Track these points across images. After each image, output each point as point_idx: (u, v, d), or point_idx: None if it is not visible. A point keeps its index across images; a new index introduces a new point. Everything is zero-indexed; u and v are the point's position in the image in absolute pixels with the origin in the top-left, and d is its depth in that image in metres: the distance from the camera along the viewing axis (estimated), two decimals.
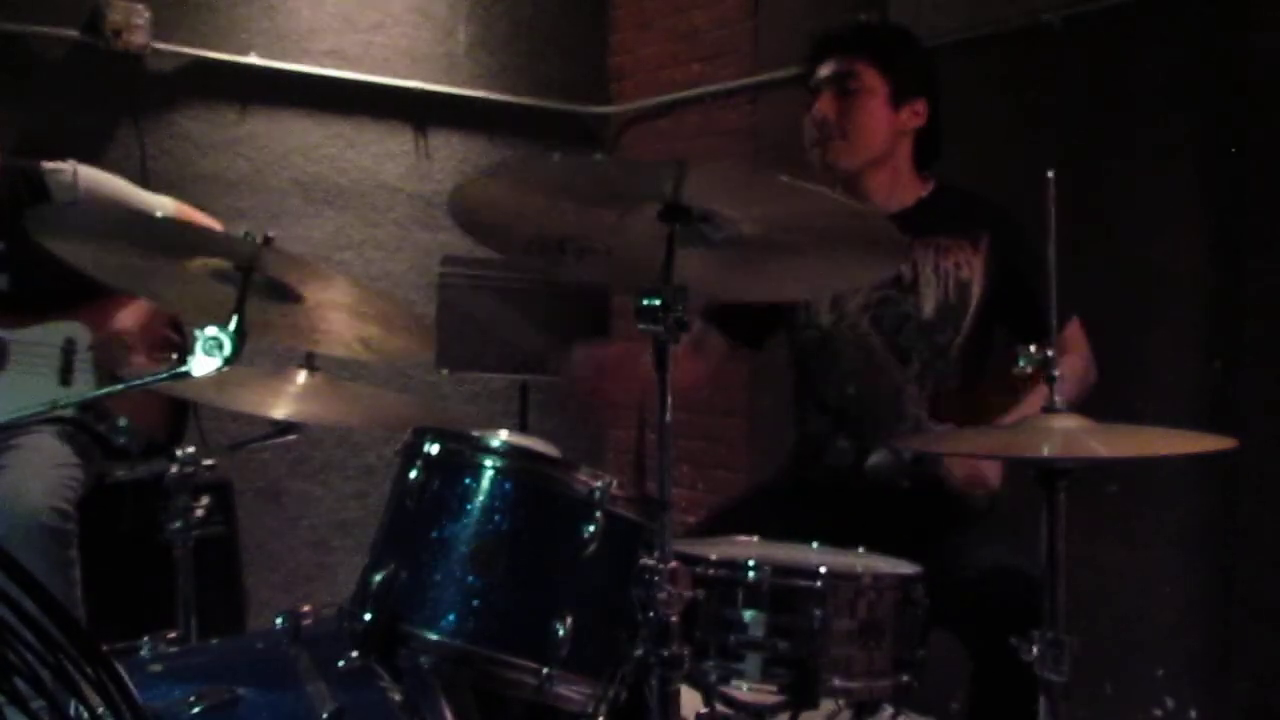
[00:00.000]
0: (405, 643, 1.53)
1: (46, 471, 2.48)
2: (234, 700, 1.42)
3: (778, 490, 2.34)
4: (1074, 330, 2.17)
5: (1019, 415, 2.00)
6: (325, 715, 1.40)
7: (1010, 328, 2.18)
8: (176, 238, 1.75)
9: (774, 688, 1.54)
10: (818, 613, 1.52)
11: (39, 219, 1.67)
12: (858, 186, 2.19)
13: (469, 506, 1.58)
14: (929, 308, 2.16)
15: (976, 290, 2.16)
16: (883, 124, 2.17)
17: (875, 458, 2.15)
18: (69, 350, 2.68)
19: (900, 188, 2.22)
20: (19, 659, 0.80)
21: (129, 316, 2.73)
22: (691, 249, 1.49)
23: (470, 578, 1.55)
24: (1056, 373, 1.56)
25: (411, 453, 1.65)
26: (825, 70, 2.20)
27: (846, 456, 2.18)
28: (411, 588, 1.56)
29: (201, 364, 1.42)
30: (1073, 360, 2.09)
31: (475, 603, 1.54)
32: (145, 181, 3.29)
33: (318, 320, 1.77)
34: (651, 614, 1.36)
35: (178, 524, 1.90)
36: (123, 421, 2.65)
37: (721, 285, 1.71)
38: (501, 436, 1.65)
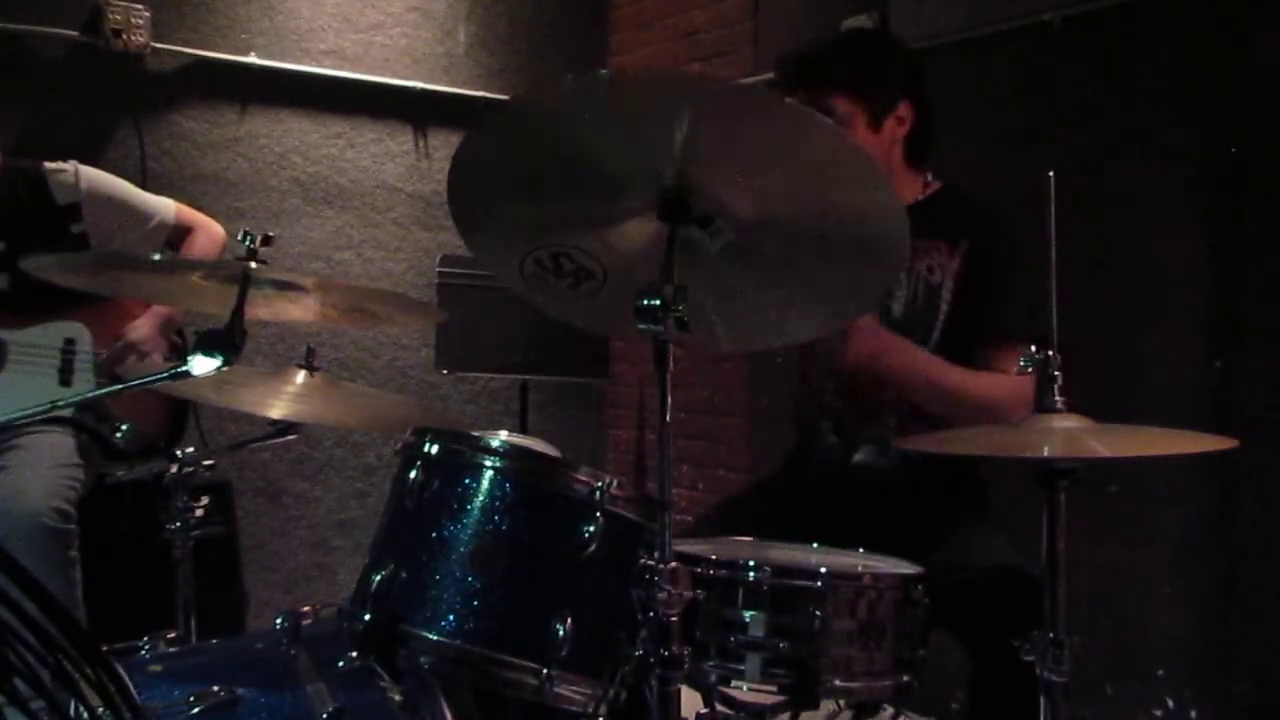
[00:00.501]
0: (405, 643, 1.53)
1: (47, 472, 2.48)
2: (234, 700, 1.42)
3: (775, 487, 2.34)
4: (1010, 361, 1.89)
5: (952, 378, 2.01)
6: (325, 715, 1.40)
7: (970, 332, 2.11)
8: (173, 273, 1.77)
9: (774, 688, 1.54)
10: (818, 613, 1.52)
11: (39, 267, 1.69)
12: None
13: (469, 506, 1.58)
14: (897, 310, 2.14)
15: (947, 295, 2.12)
16: (868, 148, 2.13)
17: (860, 456, 2.15)
18: (69, 350, 2.69)
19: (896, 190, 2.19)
20: (19, 659, 0.80)
21: (144, 326, 2.73)
22: (693, 269, 1.47)
23: (470, 578, 1.54)
24: (1055, 373, 1.56)
25: (411, 453, 1.65)
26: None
27: (835, 453, 2.18)
28: (411, 588, 1.56)
29: (201, 364, 1.42)
30: (1000, 381, 2.02)
31: (475, 603, 1.54)
32: (145, 181, 3.30)
33: (322, 303, 1.78)
34: (651, 614, 1.36)
35: (177, 524, 1.90)
36: (124, 426, 2.65)
37: (726, 327, 1.68)
38: (501, 436, 1.65)
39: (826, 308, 1.65)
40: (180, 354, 2.82)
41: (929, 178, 2.23)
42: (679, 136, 1.36)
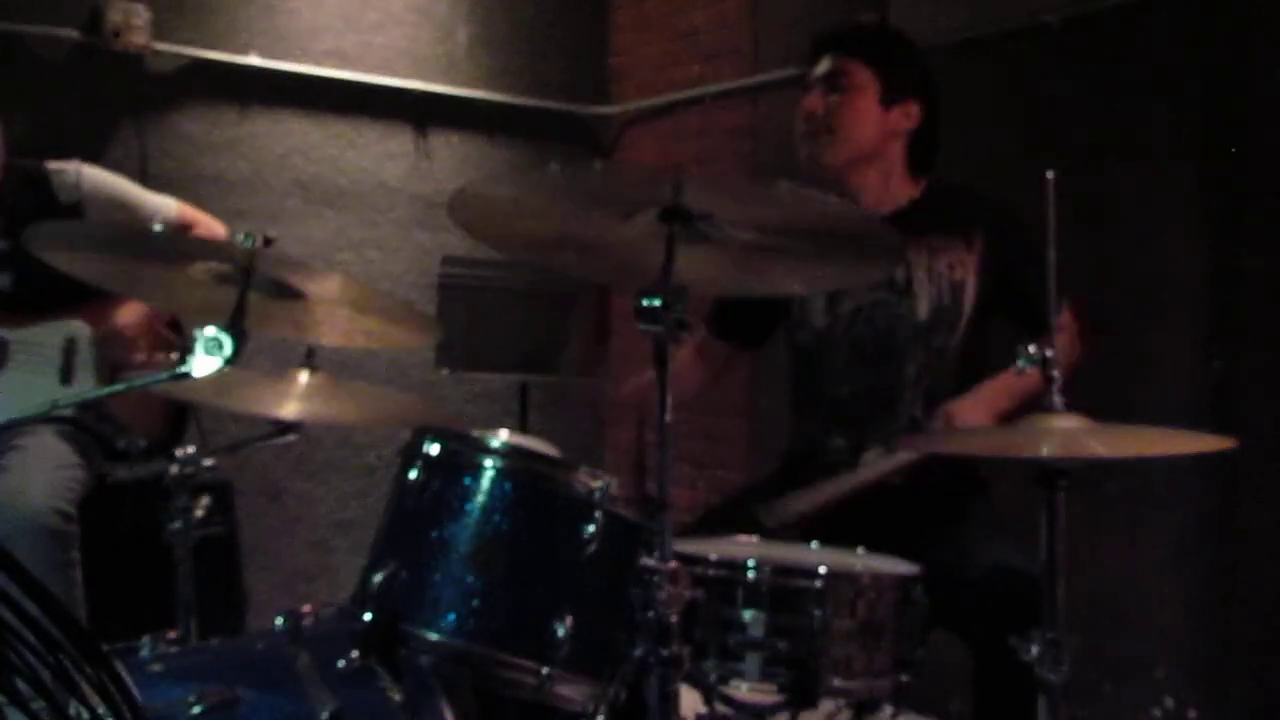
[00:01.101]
0: (405, 643, 1.53)
1: (48, 473, 2.48)
2: (234, 700, 1.42)
3: (773, 489, 2.34)
4: (1063, 319, 2.13)
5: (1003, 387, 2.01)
6: (325, 715, 1.40)
7: (1010, 322, 2.16)
8: (175, 247, 1.76)
9: (773, 687, 1.54)
10: (817, 612, 1.52)
11: (39, 235, 1.68)
12: (845, 183, 2.19)
13: (469, 506, 1.58)
14: (923, 310, 2.15)
15: (970, 291, 2.16)
16: (871, 122, 2.17)
17: (869, 456, 2.15)
18: (70, 350, 2.68)
19: (892, 188, 2.21)
20: (20, 659, 0.80)
21: (130, 313, 2.72)
22: (690, 246, 1.49)
23: (470, 577, 1.55)
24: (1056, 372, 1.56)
25: (411, 453, 1.66)
26: (819, 68, 2.21)
27: (841, 455, 2.19)
28: (412, 587, 1.56)
29: (202, 364, 1.42)
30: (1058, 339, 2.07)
31: (475, 602, 1.54)
32: (145, 182, 3.29)
33: (319, 314, 1.77)
34: (651, 614, 1.36)
35: (178, 524, 1.90)
36: (136, 441, 2.66)
37: (721, 282, 1.71)
38: (501, 436, 1.65)
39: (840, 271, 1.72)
40: (175, 348, 2.81)
41: (917, 176, 2.25)
42: (668, 196, 1.40)
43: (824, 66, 2.20)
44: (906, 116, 2.20)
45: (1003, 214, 2.18)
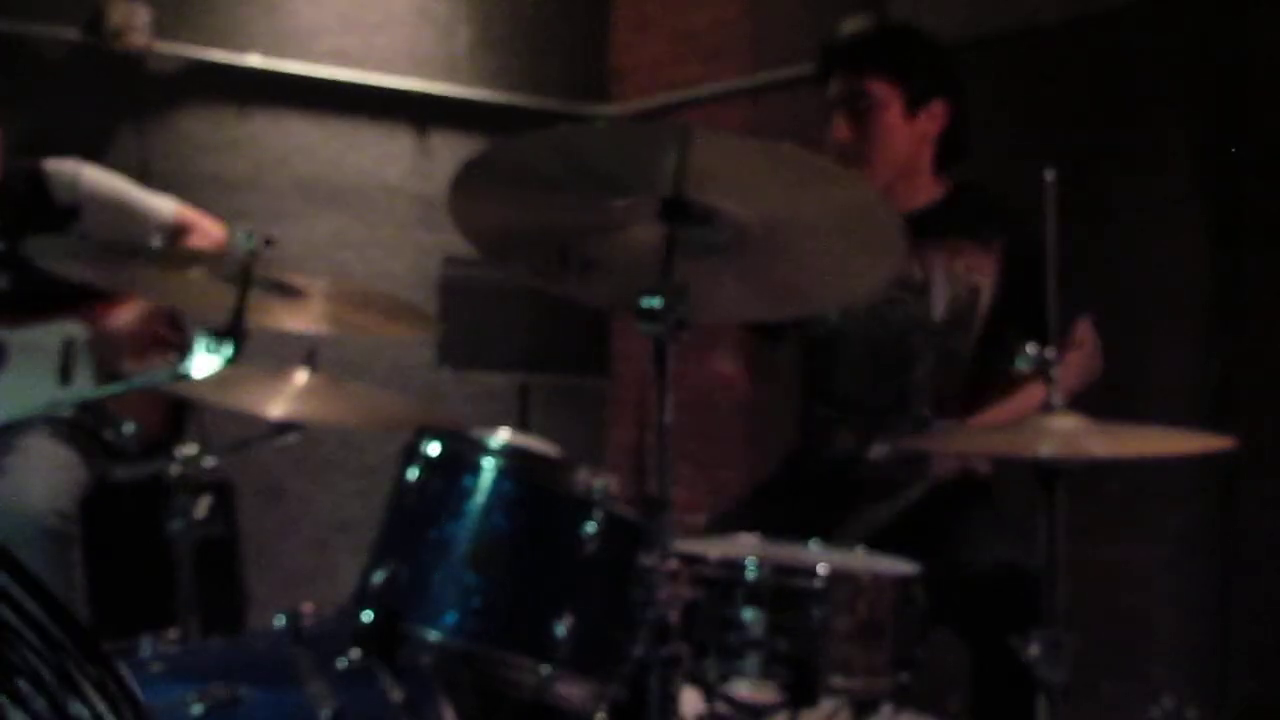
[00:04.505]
0: (405, 642, 1.53)
1: (48, 473, 2.48)
2: (234, 700, 1.42)
3: (779, 483, 2.34)
4: (1085, 332, 2.11)
5: (1007, 412, 2.02)
6: (325, 715, 1.40)
7: (1021, 333, 2.14)
8: (173, 259, 1.79)
9: (774, 687, 1.54)
10: (817, 612, 1.52)
11: (40, 251, 1.70)
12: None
13: (469, 506, 1.58)
14: (939, 311, 2.14)
15: (987, 294, 2.14)
16: (901, 137, 2.14)
17: (876, 450, 2.15)
18: (69, 350, 2.68)
19: (915, 189, 2.19)
20: (21, 659, 0.80)
21: (125, 314, 2.72)
22: (695, 261, 1.48)
23: (470, 577, 1.55)
24: (1056, 373, 1.56)
25: (412, 452, 1.66)
26: (834, 88, 2.16)
27: (848, 449, 2.18)
28: (412, 587, 1.56)
29: (202, 364, 1.42)
30: (1075, 355, 2.05)
31: (475, 602, 1.54)
32: (145, 182, 3.29)
33: (318, 309, 1.78)
34: (651, 614, 1.37)
35: (178, 524, 1.90)
36: (127, 428, 2.65)
37: (729, 303, 1.69)
38: (501, 436, 1.65)
39: (834, 291, 1.72)
40: (173, 348, 2.81)
41: (940, 175, 2.24)
42: (669, 168, 1.38)
43: (839, 88, 2.15)
44: (933, 118, 2.16)
45: (1023, 222, 2.15)
